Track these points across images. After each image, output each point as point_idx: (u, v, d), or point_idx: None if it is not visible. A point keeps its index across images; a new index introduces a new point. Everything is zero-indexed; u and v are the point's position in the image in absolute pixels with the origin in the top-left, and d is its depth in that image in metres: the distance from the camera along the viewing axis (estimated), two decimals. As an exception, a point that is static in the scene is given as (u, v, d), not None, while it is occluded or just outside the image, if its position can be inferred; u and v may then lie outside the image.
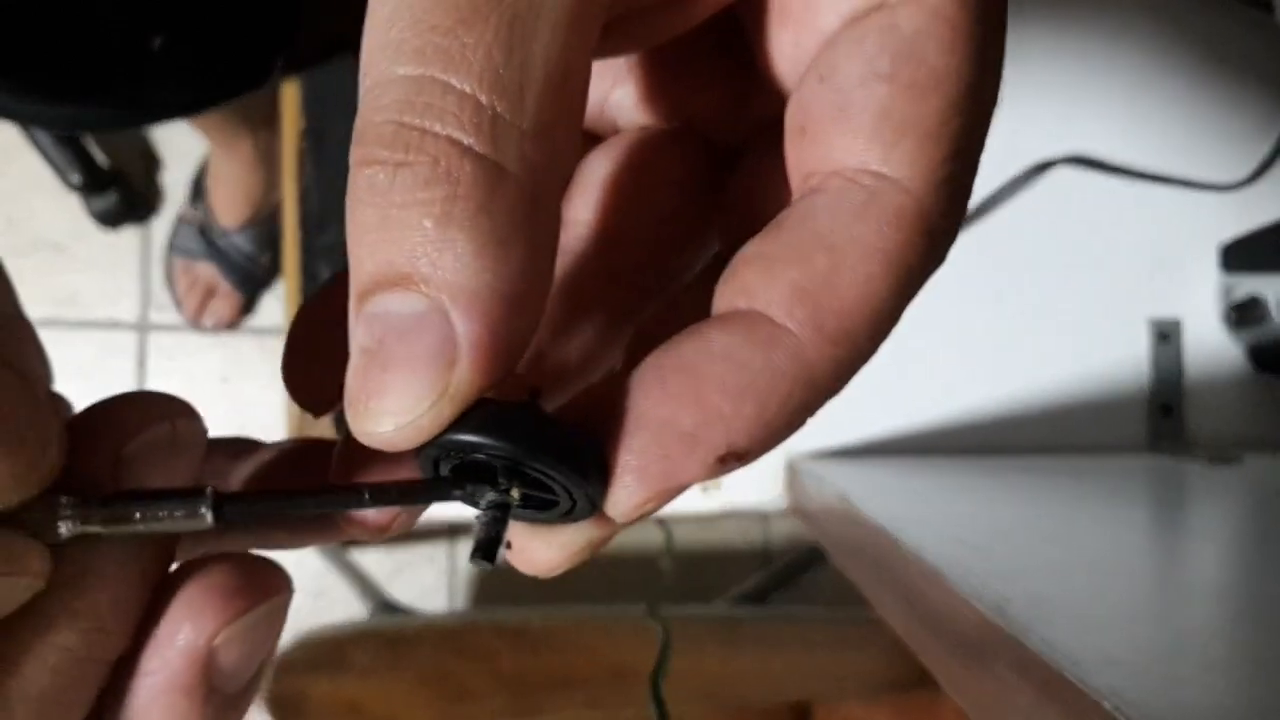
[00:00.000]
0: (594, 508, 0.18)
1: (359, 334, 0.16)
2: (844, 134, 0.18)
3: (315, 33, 0.82)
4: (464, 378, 0.16)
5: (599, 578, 1.05)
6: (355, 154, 0.16)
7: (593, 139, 0.24)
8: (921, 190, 0.17)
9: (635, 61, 0.23)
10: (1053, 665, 0.31)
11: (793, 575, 1.19)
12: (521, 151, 0.16)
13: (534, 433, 0.17)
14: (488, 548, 0.18)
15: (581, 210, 0.23)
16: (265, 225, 1.39)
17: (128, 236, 1.48)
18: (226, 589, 0.19)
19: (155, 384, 1.48)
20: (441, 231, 0.15)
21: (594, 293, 0.23)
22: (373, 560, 1.40)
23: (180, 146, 1.47)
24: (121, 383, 1.47)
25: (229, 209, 1.37)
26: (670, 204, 0.23)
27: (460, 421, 0.17)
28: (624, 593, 1.13)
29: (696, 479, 0.17)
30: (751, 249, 0.18)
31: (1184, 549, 0.49)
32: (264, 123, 1.24)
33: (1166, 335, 0.70)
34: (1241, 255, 0.68)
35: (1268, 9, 0.70)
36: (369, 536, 0.21)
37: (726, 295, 0.18)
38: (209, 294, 1.43)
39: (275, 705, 0.78)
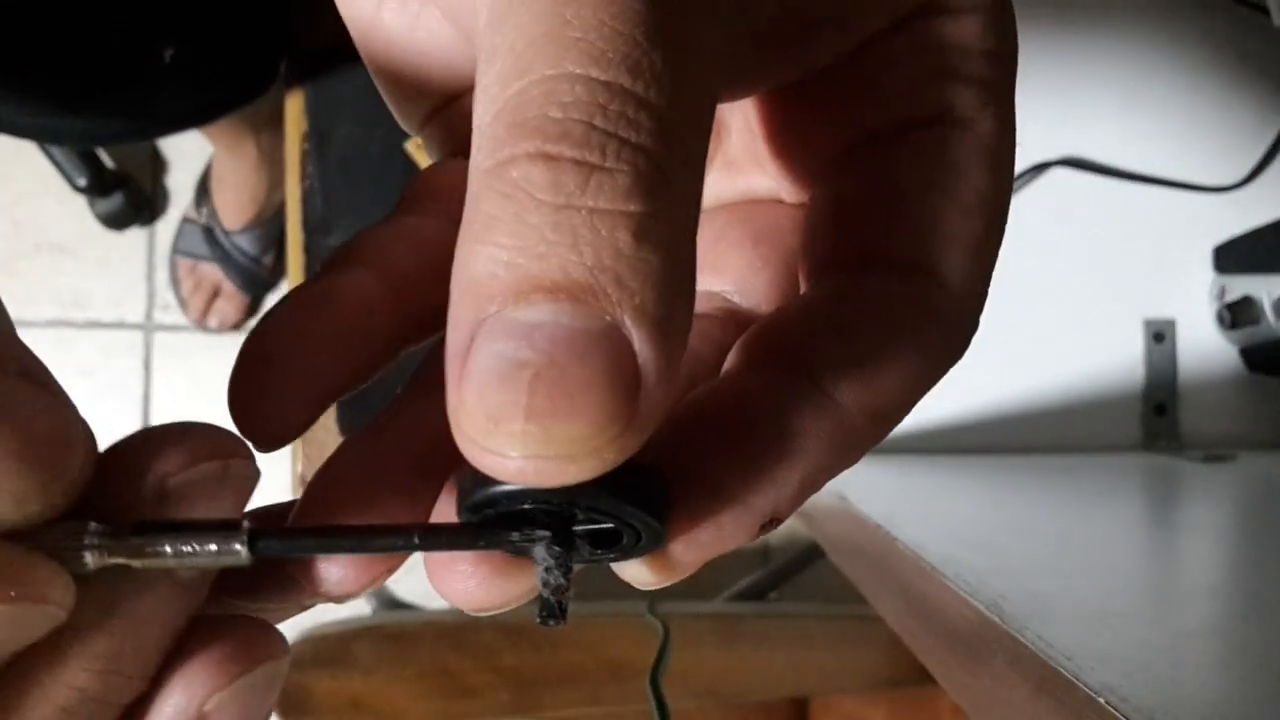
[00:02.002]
0: (661, 538, 0.17)
1: (502, 345, 0.14)
2: (901, 233, 0.19)
3: (316, 36, 0.83)
4: (651, 411, 0.14)
5: (599, 575, 1.05)
6: (520, 145, 0.14)
7: None
8: (963, 291, 0.19)
9: None
10: (1049, 662, 0.31)
11: (791, 572, 1.19)
12: (698, 179, 0.15)
13: (615, 473, 0.15)
14: (558, 606, 0.17)
15: None
16: (269, 226, 1.40)
17: (133, 238, 1.48)
18: (221, 653, 0.18)
19: (161, 384, 1.48)
20: (637, 249, 0.14)
21: None
22: (374, 558, 1.40)
23: (184, 148, 1.47)
24: (127, 383, 1.47)
25: (233, 210, 1.37)
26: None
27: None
28: (624, 590, 1.12)
29: (743, 542, 0.17)
30: (803, 316, 0.19)
31: (1178, 546, 0.50)
32: (267, 124, 1.24)
33: (1161, 335, 0.70)
34: (1235, 256, 0.69)
35: (1263, 11, 0.70)
36: (328, 599, 0.20)
37: (776, 356, 0.18)
38: (214, 295, 1.43)
39: (279, 701, 0.78)
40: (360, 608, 1.20)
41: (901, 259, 0.19)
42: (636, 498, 0.16)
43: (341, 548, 0.18)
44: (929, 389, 0.19)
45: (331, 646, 0.83)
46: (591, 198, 0.14)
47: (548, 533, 0.17)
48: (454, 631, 0.85)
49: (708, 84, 0.16)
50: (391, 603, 1.10)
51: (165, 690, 0.18)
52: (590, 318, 0.14)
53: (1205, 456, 0.65)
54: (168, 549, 0.16)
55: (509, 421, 0.14)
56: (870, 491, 0.54)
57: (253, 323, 1.56)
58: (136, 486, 0.17)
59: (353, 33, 0.23)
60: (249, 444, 0.18)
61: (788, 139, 0.22)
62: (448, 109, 0.23)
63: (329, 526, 0.18)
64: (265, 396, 0.19)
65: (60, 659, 0.16)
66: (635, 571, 0.18)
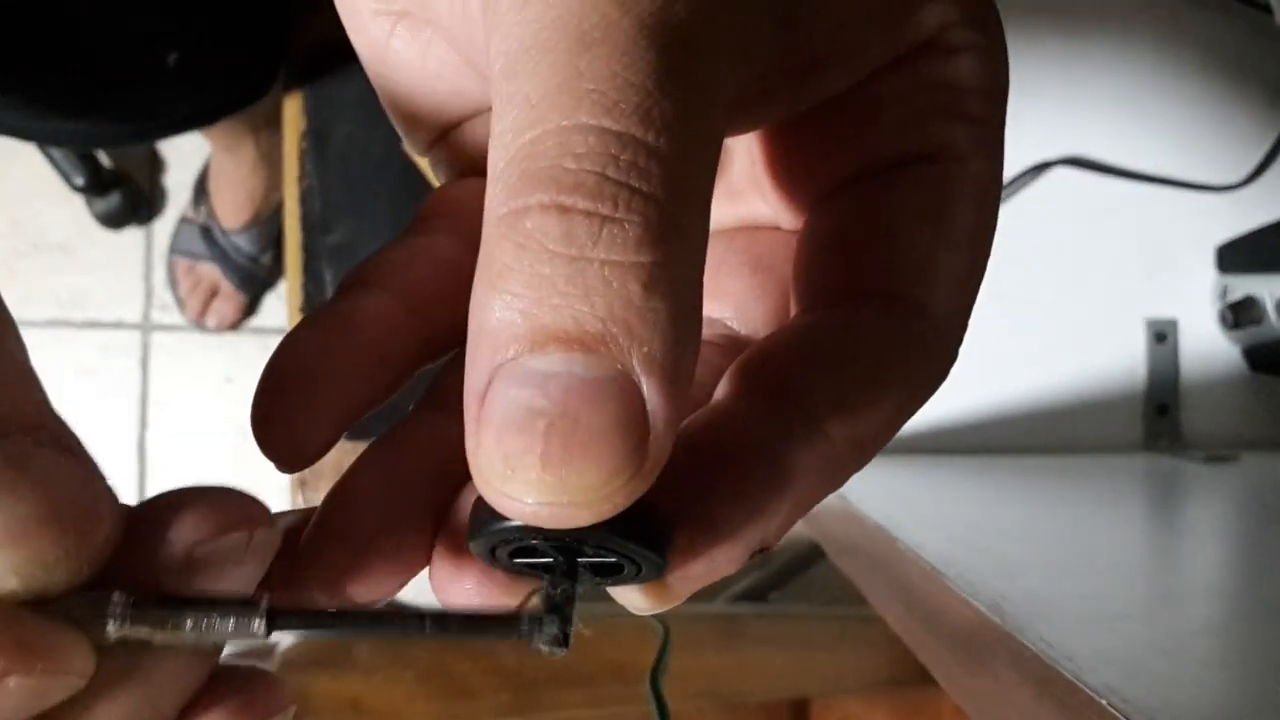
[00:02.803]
0: (663, 568, 0.17)
1: (517, 391, 0.14)
2: (890, 268, 0.20)
3: (315, 37, 0.83)
4: (659, 455, 0.15)
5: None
6: (533, 196, 0.15)
7: None
8: (948, 324, 0.20)
9: None
10: (1050, 663, 0.31)
11: (792, 573, 1.19)
12: (705, 224, 0.16)
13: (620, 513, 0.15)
14: (563, 635, 0.18)
15: None
16: (267, 226, 1.40)
17: (131, 237, 1.48)
18: (233, 709, 0.18)
19: (158, 384, 1.48)
20: (647, 299, 0.14)
21: None
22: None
23: (183, 148, 1.47)
24: (125, 383, 1.47)
25: (231, 210, 1.37)
26: None
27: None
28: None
29: (735, 569, 0.18)
30: (788, 346, 0.19)
31: (1180, 547, 0.50)
32: (266, 124, 1.24)
33: (1163, 335, 0.70)
34: (1237, 256, 0.69)
35: (1266, 10, 0.70)
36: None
37: (765, 387, 0.19)
38: (212, 294, 1.43)
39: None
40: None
41: (890, 291, 0.19)
42: (642, 536, 0.16)
43: (355, 630, 0.18)
44: (910, 417, 0.20)
45: (331, 647, 0.83)
46: (604, 249, 0.14)
47: (554, 567, 0.17)
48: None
49: (715, 128, 0.16)
50: (392, 603, 1.09)
51: None
52: (602, 367, 0.14)
53: (1207, 457, 0.65)
54: (188, 624, 0.17)
55: (525, 469, 0.14)
56: (870, 491, 0.54)
57: (251, 322, 1.57)
58: (162, 554, 0.17)
59: (363, 59, 0.23)
60: (267, 508, 0.18)
61: (787, 168, 0.22)
62: (456, 131, 0.24)
63: (341, 610, 0.19)
64: (289, 419, 0.20)
65: None
66: (631, 598, 0.18)
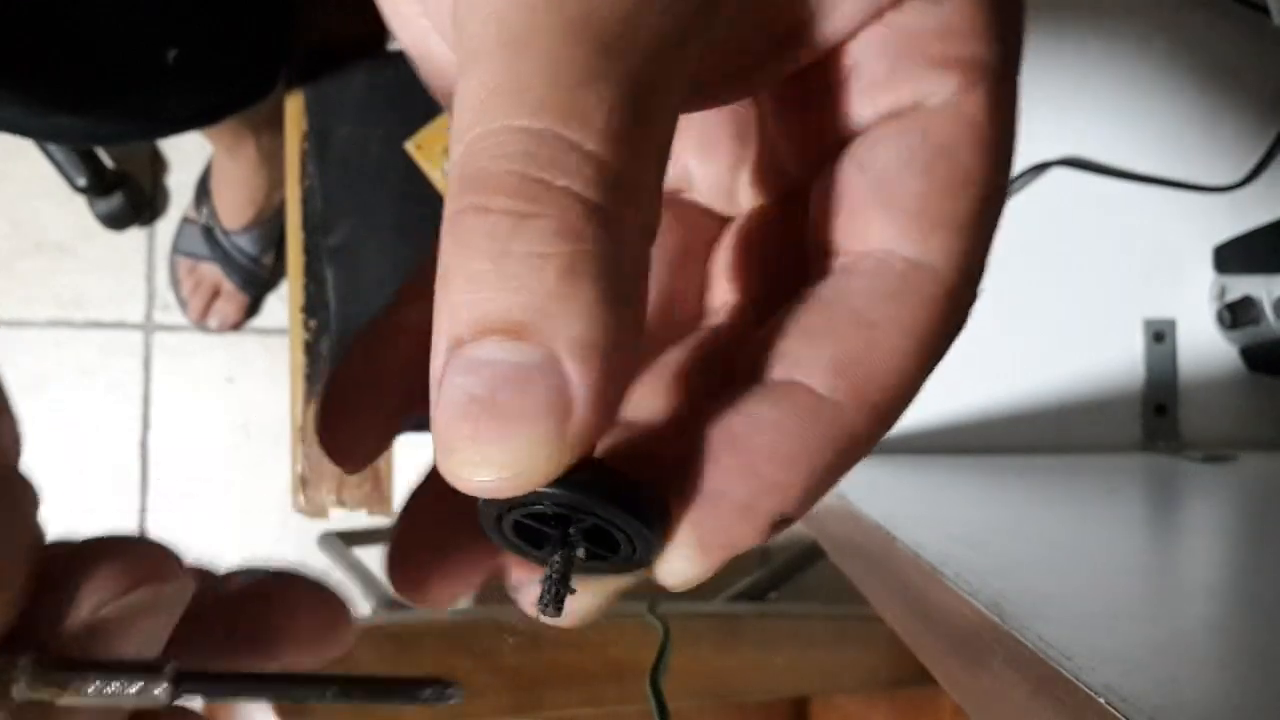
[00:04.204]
0: (652, 555, 0.19)
1: (461, 379, 0.16)
2: (882, 221, 0.19)
3: (316, 37, 0.83)
4: (580, 431, 0.16)
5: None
6: (465, 198, 0.16)
7: None
8: (952, 277, 0.19)
9: None
10: (1049, 661, 0.31)
11: (791, 572, 1.20)
12: (636, 210, 0.16)
13: (601, 482, 0.17)
14: (557, 597, 0.18)
15: None
16: (269, 226, 1.40)
17: (133, 238, 1.48)
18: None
19: (160, 384, 1.48)
20: (565, 285, 0.16)
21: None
22: (376, 557, 1.40)
23: (185, 148, 1.47)
24: (127, 383, 1.47)
25: (233, 210, 1.37)
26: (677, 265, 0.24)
27: (589, 480, 0.17)
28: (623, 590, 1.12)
29: (751, 545, 0.18)
30: (788, 320, 0.19)
31: (1179, 546, 0.50)
32: (267, 124, 1.24)
33: (1161, 335, 0.70)
34: (1235, 256, 0.69)
35: (1263, 11, 0.70)
36: (319, 656, 0.22)
37: (766, 364, 0.19)
38: (213, 295, 1.43)
39: (279, 702, 0.78)
40: (360, 608, 1.20)
41: (883, 247, 0.19)
42: (631, 508, 0.18)
43: (260, 693, 0.18)
44: (928, 375, 0.19)
45: (331, 646, 0.83)
46: (522, 243, 0.16)
47: (551, 540, 0.18)
48: (454, 631, 0.85)
49: (645, 116, 0.16)
50: (391, 603, 1.10)
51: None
52: (528, 353, 0.16)
53: (1205, 457, 0.66)
54: (91, 689, 0.17)
55: (463, 449, 0.16)
56: (870, 491, 0.54)
57: (252, 323, 1.57)
58: (69, 615, 0.17)
59: (409, 56, 0.24)
60: (179, 559, 0.19)
61: (786, 136, 0.22)
62: None
63: (247, 674, 0.19)
64: (346, 428, 0.22)
65: None
66: (670, 566, 0.19)
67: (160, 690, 0.17)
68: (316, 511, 0.78)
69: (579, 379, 0.16)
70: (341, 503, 0.77)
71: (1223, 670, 0.32)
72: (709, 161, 0.25)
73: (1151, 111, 0.72)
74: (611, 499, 0.17)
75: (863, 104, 0.20)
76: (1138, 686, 0.28)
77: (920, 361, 0.19)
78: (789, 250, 0.23)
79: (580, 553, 0.19)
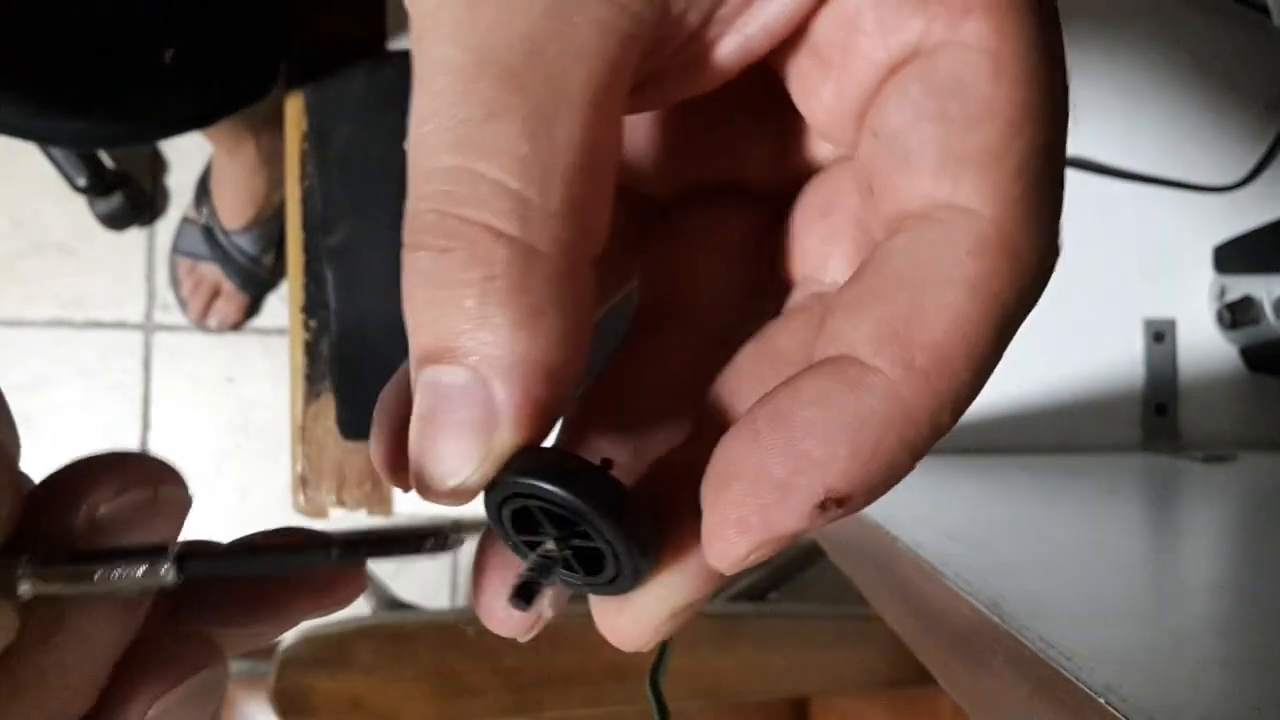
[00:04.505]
0: (637, 581, 0.19)
1: (416, 401, 0.18)
2: (909, 179, 0.18)
3: (316, 37, 0.83)
4: (504, 441, 0.17)
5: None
6: (405, 239, 0.18)
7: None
8: (997, 213, 0.17)
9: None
10: (1049, 661, 0.31)
11: (791, 573, 1.20)
12: (552, 232, 0.17)
13: (597, 489, 0.18)
14: (526, 590, 0.19)
15: None
16: (269, 226, 1.40)
17: (133, 238, 1.49)
18: (161, 663, 0.19)
19: (160, 384, 1.48)
20: (481, 310, 0.17)
21: None
22: (375, 558, 1.40)
23: (184, 148, 1.47)
24: (127, 383, 1.47)
25: (233, 210, 1.37)
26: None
27: (530, 469, 0.18)
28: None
29: (798, 527, 0.17)
30: (837, 299, 0.18)
31: (1179, 546, 0.50)
32: (267, 124, 1.24)
33: (1161, 335, 0.70)
34: (1235, 256, 0.69)
35: (1263, 11, 0.70)
36: (334, 605, 0.22)
37: (818, 346, 0.18)
38: (214, 295, 1.43)
39: (280, 701, 0.78)
40: (360, 608, 1.20)
41: (913, 205, 0.18)
42: (616, 516, 0.18)
43: (265, 565, 0.19)
44: (998, 328, 0.17)
45: (331, 646, 0.83)
46: (442, 275, 0.17)
47: (532, 537, 0.19)
48: (454, 631, 0.85)
49: (561, 140, 0.17)
50: (391, 603, 1.10)
51: (112, 700, 0.19)
52: (457, 374, 0.17)
53: (1205, 457, 0.65)
54: (98, 574, 0.17)
55: (416, 462, 0.18)
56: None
57: (252, 323, 1.57)
58: (67, 517, 0.18)
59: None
60: (174, 469, 0.20)
61: (808, 112, 0.22)
62: None
63: (250, 545, 0.19)
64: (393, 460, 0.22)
65: (13, 682, 0.17)
66: (712, 548, 0.18)
67: (165, 568, 0.18)
68: (316, 511, 0.78)
69: (502, 395, 0.17)
70: (341, 503, 0.77)
71: (1223, 670, 0.32)
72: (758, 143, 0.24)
73: (1151, 111, 0.72)
74: (598, 504, 0.18)
75: (862, 65, 0.19)
76: (1138, 686, 0.28)
77: (977, 315, 0.17)
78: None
79: (552, 546, 0.19)
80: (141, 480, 0.19)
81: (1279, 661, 0.32)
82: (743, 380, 0.21)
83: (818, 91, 0.20)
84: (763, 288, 0.23)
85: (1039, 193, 0.18)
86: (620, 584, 0.19)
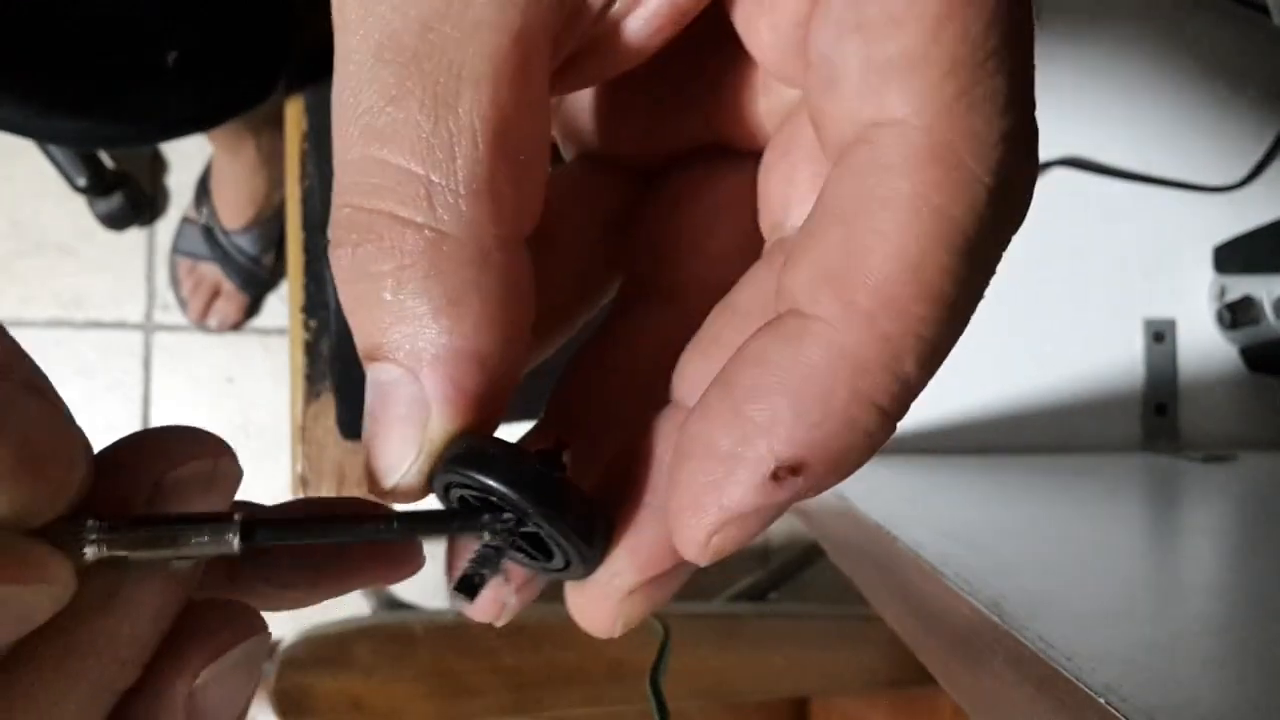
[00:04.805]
0: (585, 568, 0.18)
1: (365, 401, 0.18)
2: (839, 103, 0.16)
3: (316, 37, 0.83)
4: (436, 432, 0.17)
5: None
6: (329, 238, 0.17)
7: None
8: (930, 120, 0.15)
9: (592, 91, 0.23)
10: (1049, 661, 0.31)
11: (791, 573, 1.20)
12: (461, 214, 0.16)
13: (528, 480, 0.17)
14: (469, 583, 0.18)
15: None
16: (269, 226, 1.40)
17: (133, 238, 1.48)
18: (206, 633, 0.19)
19: (160, 384, 1.48)
20: (398, 302, 0.17)
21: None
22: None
23: (184, 149, 1.47)
24: (127, 383, 1.47)
25: (233, 210, 1.37)
26: (575, 238, 0.23)
27: (461, 459, 0.17)
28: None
29: (754, 503, 0.16)
30: (790, 249, 0.17)
31: (1179, 546, 0.50)
32: (267, 125, 1.24)
33: (1161, 335, 0.70)
34: (1235, 256, 0.69)
35: (1263, 12, 0.70)
36: (393, 579, 0.21)
37: (775, 304, 0.17)
38: (214, 295, 1.43)
39: (280, 700, 0.78)
40: (360, 608, 1.20)
41: (847, 131, 0.16)
42: (570, 521, 0.18)
43: (328, 536, 0.19)
44: (955, 252, 0.15)
45: (331, 646, 0.83)
46: (357, 271, 0.17)
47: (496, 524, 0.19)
48: (454, 631, 0.85)
49: (464, 124, 0.16)
50: (391, 603, 1.10)
51: (158, 672, 0.19)
52: (386, 370, 0.17)
53: (1205, 457, 0.65)
54: (163, 541, 0.17)
55: (366, 463, 0.18)
56: (870, 491, 0.54)
57: (252, 323, 1.57)
58: (133, 484, 0.18)
59: None
60: (228, 444, 0.20)
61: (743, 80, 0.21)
62: (560, 106, 0.24)
63: (313, 517, 0.19)
64: None
65: (65, 644, 0.17)
66: (675, 533, 0.17)
67: (230, 536, 0.18)
68: (316, 511, 0.78)
69: (430, 385, 0.17)
70: (341, 503, 0.77)
71: (1223, 670, 0.32)
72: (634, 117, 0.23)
73: (1151, 111, 0.72)
74: (533, 497, 0.17)
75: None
76: (1138, 686, 0.28)
77: (923, 239, 0.15)
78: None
79: (488, 536, 0.18)
80: (203, 452, 0.19)
81: (1279, 661, 0.32)
82: (707, 347, 0.20)
83: (759, 29, 0.18)
84: (755, 248, 0.21)
85: (982, 89, 0.15)
86: (574, 570, 0.19)
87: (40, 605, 0.17)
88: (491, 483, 0.17)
